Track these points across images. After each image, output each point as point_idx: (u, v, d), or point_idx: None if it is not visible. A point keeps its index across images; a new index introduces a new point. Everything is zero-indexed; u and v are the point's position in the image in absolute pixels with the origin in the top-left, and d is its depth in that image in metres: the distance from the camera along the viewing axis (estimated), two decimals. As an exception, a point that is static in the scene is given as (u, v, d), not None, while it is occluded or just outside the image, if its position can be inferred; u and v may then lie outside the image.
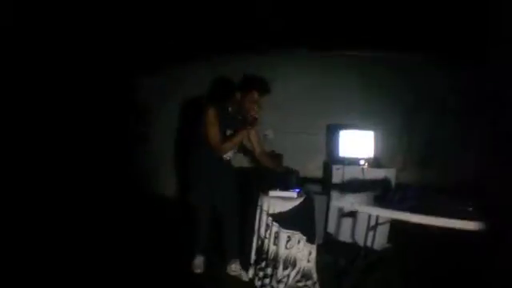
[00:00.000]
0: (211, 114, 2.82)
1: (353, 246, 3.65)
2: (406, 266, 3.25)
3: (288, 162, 4.47)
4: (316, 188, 3.87)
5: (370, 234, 3.03)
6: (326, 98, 4.79)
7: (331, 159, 4.37)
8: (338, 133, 4.19)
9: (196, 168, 3.02)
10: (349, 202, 2.69)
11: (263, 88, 2.92)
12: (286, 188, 2.88)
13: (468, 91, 4.29)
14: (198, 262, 3.10)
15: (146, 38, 4.50)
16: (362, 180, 3.78)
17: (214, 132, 2.83)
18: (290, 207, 2.76)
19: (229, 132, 2.94)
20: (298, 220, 2.77)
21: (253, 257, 2.94)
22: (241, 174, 3.24)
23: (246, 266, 3.00)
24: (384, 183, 3.47)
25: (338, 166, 4.00)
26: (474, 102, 4.20)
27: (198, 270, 3.08)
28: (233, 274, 3.05)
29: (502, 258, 1.74)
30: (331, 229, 3.88)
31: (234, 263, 3.09)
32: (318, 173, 4.75)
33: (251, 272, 2.94)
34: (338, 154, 4.14)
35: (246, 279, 2.95)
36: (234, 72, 4.82)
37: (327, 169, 4.33)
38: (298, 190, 2.87)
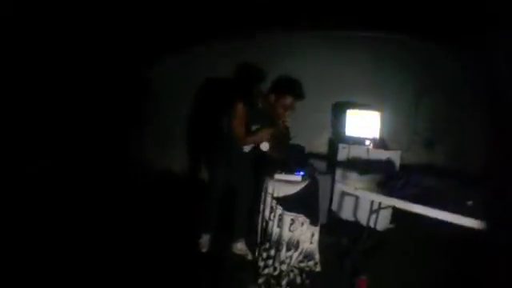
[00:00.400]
0: (240, 109, 2.78)
1: (356, 226, 3.70)
2: (409, 247, 3.30)
3: (294, 138, 4.54)
4: (321, 166, 3.90)
5: (373, 215, 3.06)
6: (334, 77, 4.72)
7: (337, 138, 4.39)
8: (345, 112, 4.19)
9: (218, 155, 3.06)
10: (352, 186, 2.70)
11: (299, 94, 2.82)
12: (291, 171, 2.89)
13: (477, 75, 4.22)
14: (204, 241, 3.17)
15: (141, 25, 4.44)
16: (366, 160, 3.79)
17: (239, 126, 2.80)
18: (295, 191, 2.79)
19: (254, 128, 2.91)
20: (301, 203, 2.80)
21: (258, 237, 3.00)
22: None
23: (251, 246, 3.08)
24: (388, 165, 3.48)
25: (343, 145, 4.03)
26: (481, 87, 4.13)
27: (204, 249, 3.15)
28: (238, 252, 3.14)
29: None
30: (335, 207, 3.94)
31: (240, 242, 3.16)
32: (323, 149, 4.78)
33: (256, 252, 3.01)
34: (344, 132, 4.17)
35: (251, 258, 3.03)
36: (240, 52, 4.97)
37: (333, 146, 4.35)
38: (302, 174, 2.89)
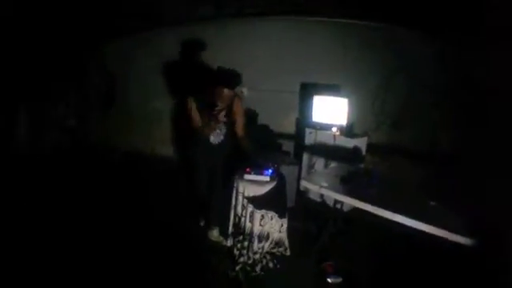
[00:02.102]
0: (190, 103, 3.10)
1: (322, 207, 3.96)
2: (372, 227, 3.56)
3: (263, 119, 4.71)
4: (289, 146, 4.07)
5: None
6: (303, 59, 4.86)
7: (304, 122, 4.55)
8: (312, 96, 4.31)
9: (194, 152, 3.33)
10: (317, 185, 2.88)
11: (231, 82, 3.05)
12: (260, 170, 3.08)
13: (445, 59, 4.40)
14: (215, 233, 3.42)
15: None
16: (332, 147, 3.98)
17: (195, 116, 3.13)
18: (264, 191, 2.99)
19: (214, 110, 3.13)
20: (270, 201, 3.02)
21: (230, 229, 3.23)
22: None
23: (225, 235, 3.32)
24: (354, 153, 3.70)
25: (310, 130, 4.22)
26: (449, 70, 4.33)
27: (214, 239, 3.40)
28: (214, 239, 3.38)
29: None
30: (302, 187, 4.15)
31: (215, 230, 3.41)
32: (291, 129, 4.97)
33: (230, 242, 3.25)
34: (311, 118, 4.32)
35: (228, 244, 3.27)
36: (208, 37, 4.98)
37: (300, 128, 4.52)
38: (270, 173, 3.07)
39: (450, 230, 2.13)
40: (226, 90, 3.01)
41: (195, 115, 3.14)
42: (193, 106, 3.12)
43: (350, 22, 4.61)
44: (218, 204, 3.37)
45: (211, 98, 3.06)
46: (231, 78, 3.04)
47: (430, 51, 4.45)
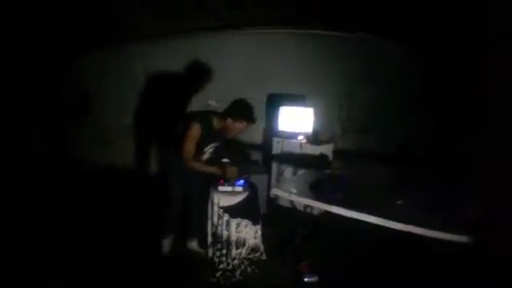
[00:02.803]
0: (194, 131, 3.00)
1: (293, 212, 4.15)
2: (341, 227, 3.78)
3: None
4: (257, 156, 4.28)
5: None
6: (269, 71, 5.10)
7: (271, 131, 4.76)
8: (279, 106, 4.54)
9: (174, 165, 3.28)
10: (286, 191, 3.07)
11: (252, 119, 3.09)
12: (233, 183, 3.28)
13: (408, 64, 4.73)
14: (166, 244, 3.47)
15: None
16: (299, 155, 4.21)
17: (189, 147, 3.01)
18: (237, 201, 3.19)
19: (209, 146, 3.21)
20: (244, 210, 3.23)
21: (209, 239, 3.40)
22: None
23: (204, 246, 3.48)
24: (321, 160, 3.94)
25: (277, 139, 4.43)
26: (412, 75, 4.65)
27: (166, 251, 3.45)
28: (193, 250, 3.54)
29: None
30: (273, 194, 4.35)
31: (194, 241, 3.56)
32: (258, 138, 5.19)
33: (210, 251, 3.40)
34: (277, 127, 4.54)
35: (207, 253, 3.41)
36: (175, 52, 5.15)
37: (267, 139, 4.74)
38: (243, 183, 3.27)
39: (416, 225, 2.32)
40: (245, 125, 3.09)
41: (191, 145, 3.02)
42: (195, 133, 3.01)
43: (315, 33, 4.91)
44: (195, 216, 3.51)
45: (222, 131, 3.15)
46: (253, 112, 3.10)
47: (395, 57, 4.80)
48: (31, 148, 5.33)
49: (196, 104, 5.10)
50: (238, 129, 3.09)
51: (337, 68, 5.00)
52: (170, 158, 3.28)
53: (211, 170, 3.16)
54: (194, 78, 5.05)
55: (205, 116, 3.13)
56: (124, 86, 5.49)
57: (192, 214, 3.53)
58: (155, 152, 5.33)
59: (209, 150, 3.26)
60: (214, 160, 3.31)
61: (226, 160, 3.32)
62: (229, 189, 3.26)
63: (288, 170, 4.25)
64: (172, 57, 5.29)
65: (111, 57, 5.54)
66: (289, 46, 5.05)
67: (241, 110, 3.08)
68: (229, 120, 3.05)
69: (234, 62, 5.14)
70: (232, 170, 3.16)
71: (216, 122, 3.11)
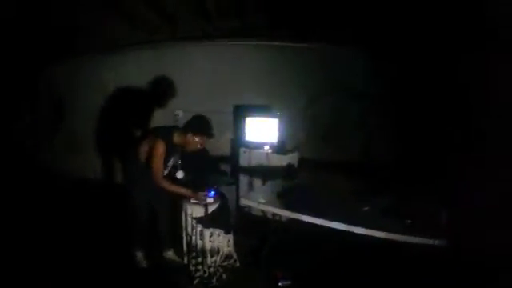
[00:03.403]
0: (160, 149, 3.15)
1: (263, 220, 4.31)
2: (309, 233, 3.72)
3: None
4: (225, 167, 4.45)
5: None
6: (235, 82, 5.31)
7: (238, 142, 4.94)
8: (245, 117, 4.74)
9: (138, 180, 3.39)
10: (255, 201, 3.24)
11: (211, 133, 3.32)
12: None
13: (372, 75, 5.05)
14: (140, 257, 3.57)
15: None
16: (266, 165, 4.43)
17: (158, 166, 3.18)
18: (209, 211, 3.37)
19: (171, 161, 3.36)
20: (216, 220, 3.41)
21: (184, 248, 3.57)
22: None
23: (180, 254, 3.65)
24: (287, 169, 4.17)
25: (244, 150, 4.63)
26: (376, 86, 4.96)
27: (142, 264, 3.56)
28: (170, 259, 3.69)
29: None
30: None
31: (169, 251, 3.72)
32: (226, 149, 5.37)
33: (186, 259, 3.56)
34: (244, 138, 4.74)
35: (184, 262, 3.58)
36: (144, 62, 5.25)
37: (235, 149, 4.93)
38: (213, 194, 3.44)
39: (382, 230, 2.54)
40: (204, 139, 3.30)
41: (159, 163, 3.18)
42: (161, 151, 3.16)
43: (280, 45, 5.18)
44: (165, 228, 3.67)
45: (183, 145, 3.33)
46: (211, 127, 3.32)
47: (359, 65, 5.10)
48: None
49: (163, 114, 5.26)
50: (197, 143, 3.29)
51: (301, 78, 5.25)
52: (136, 169, 3.39)
53: (182, 191, 3.35)
54: (160, 91, 5.18)
55: (166, 131, 3.31)
56: (94, 94, 5.52)
57: (163, 225, 3.67)
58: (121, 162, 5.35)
59: (170, 163, 3.42)
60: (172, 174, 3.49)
61: (181, 175, 3.49)
62: (200, 200, 3.43)
63: (256, 180, 4.44)
64: (141, 67, 5.42)
65: (83, 66, 5.61)
66: (254, 57, 5.29)
67: (200, 124, 3.31)
68: (189, 134, 3.25)
69: (202, 72, 5.31)
70: (200, 196, 3.35)
71: (177, 137, 3.29)
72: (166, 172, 3.37)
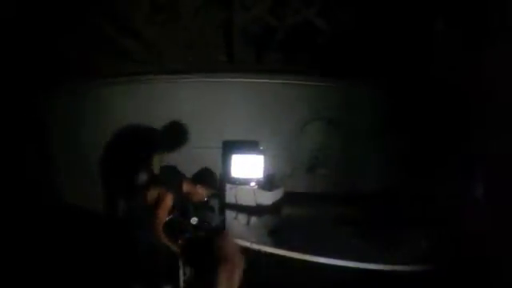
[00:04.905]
0: (168, 202, 3.35)
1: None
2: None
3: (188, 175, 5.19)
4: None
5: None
6: (223, 118, 5.51)
7: (225, 178, 5.09)
8: (231, 153, 4.96)
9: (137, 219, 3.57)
10: (248, 241, 3.46)
11: (215, 185, 3.67)
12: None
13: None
14: None
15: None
16: (253, 201, 4.64)
17: (161, 218, 3.35)
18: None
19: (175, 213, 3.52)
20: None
21: (181, 284, 3.68)
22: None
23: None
24: (273, 207, 4.44)
25: (231, 186, 4.81)
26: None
27: None
28: None
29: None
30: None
31: (167, 286, 3.74)
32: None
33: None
34: (230, 174, 4.93)
35: None
36: (133, 91, 5.41)
37: (222, 185, 5.10)
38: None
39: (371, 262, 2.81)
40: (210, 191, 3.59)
41: (163, 215, 3.35)
42: (169, 203, 3.35)
43: (266, 82, 5.46)
44: (164, 268, 3.76)
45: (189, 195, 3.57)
46: (216, 180, 3.65)
47: (343, 95, 5.42)
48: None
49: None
50: (204, 194, 3.59)
51: (286, 112, 5.54)
52: (141, 211, 3.57)
53: (173, 249, 3.51)
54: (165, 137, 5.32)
55: (176, 183, 3.54)
56: (78, 125, 5.58)
57: (162, 261, 3.76)
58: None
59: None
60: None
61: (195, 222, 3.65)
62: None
63: (243, 217, 4.64)
64: (126, 101, 5.50)
65: (69, 96, 5.60)
66: (242, 93, 5.54)
67: (208, 178, 3.64)
68: (198, 186, 3.47)
69: (189, 107, 5.46)
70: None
71: (185, 187, 3.54)
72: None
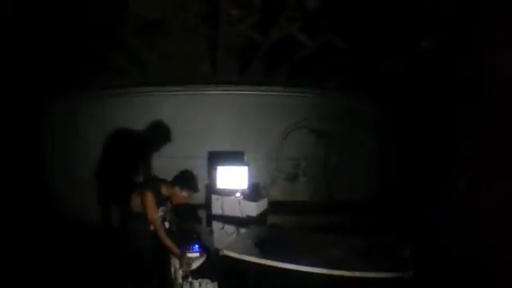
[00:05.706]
0: (150, 198, 3.48)
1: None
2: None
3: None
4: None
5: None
6: (208, 128, 5.75)
7: (211, 189, 5.26)
8: (216, 168, 5.10)
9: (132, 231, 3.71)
10: (236, 253, 3.62)
11: (196, 189, 3.72)
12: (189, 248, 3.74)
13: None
14: None
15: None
16: (238, 211, 4.79)
17: (153, 215, 3.53)
18: (196, 266, 3.73)
19: (160, 209, 3.65)
20: (203, 271, 3.77)
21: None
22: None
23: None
24: (259, 215, 4.56)
25: (216, 197, 4.97)
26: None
27: None
28: None
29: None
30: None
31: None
32: (201, 195, 5.48)
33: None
34: (215, 185, 5.09)
35: None
36: (119, 104, 5.52)
37: (208, 195, 5.25)
38: (197, 248, 3.76)
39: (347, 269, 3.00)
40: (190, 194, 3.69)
41: (154, 210, 3.52)
42: (151, 199, 3.49)
43: (248, 93, 5.70)
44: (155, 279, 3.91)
45: (170, 197, 3.69)
46: (197, 183, 3.71)
47: (326, 106, 5.67)
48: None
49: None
50: (184, 197, 3.70)
51: (268, 121, 5.80)
52: (128, 219, 3.74)
53: (173, 250, 3.67)
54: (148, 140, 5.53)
55: (154, 184, 3.67)
56: (70, 138, 5.70)
57: (154, 272, 3.89)
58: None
59: (159, 213, 3.70)
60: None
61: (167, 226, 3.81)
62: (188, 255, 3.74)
63: (230, 227, 4.77)
64: (112, 113, 5.67)
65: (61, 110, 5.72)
66: (227, 104, 5.78)
67: (187, 180, 3.70)
68: (176, 188, 3.62)
69: (175, 119, 5.65)
70: (185, 261, 3.67)
71: (165, 190, 3.66)
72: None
